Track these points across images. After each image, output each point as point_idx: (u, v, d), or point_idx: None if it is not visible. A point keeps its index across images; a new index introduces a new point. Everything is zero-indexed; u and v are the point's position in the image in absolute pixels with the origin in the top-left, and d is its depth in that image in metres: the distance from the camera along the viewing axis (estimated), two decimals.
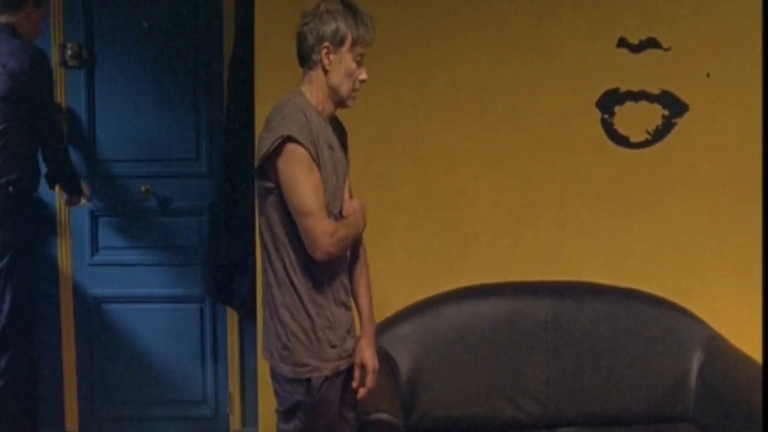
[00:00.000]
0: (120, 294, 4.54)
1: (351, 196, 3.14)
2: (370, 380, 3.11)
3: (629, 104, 4.04)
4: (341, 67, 2.94)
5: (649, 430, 3.83)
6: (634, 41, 4.01)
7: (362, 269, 3.18)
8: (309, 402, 2.96)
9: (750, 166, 4.04)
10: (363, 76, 2.98)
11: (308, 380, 2.95)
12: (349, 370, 3.09)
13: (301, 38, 2.98)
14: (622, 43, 4.01)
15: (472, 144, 4.03)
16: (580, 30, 4.01)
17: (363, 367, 3.10)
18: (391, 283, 3.94)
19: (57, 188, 4.28)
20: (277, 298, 2.95)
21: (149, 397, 4.60)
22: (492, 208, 4.06)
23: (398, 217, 4.01)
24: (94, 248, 4.54)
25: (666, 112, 4.05)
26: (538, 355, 3.87)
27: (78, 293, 4.55)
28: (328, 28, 2.91)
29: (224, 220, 4.19)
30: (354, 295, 3.16)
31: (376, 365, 3.14)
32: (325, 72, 2.95)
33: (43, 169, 4.18)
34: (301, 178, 2.85)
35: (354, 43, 2.93)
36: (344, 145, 3.14)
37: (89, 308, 4.56)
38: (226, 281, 4.24)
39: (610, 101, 4.03)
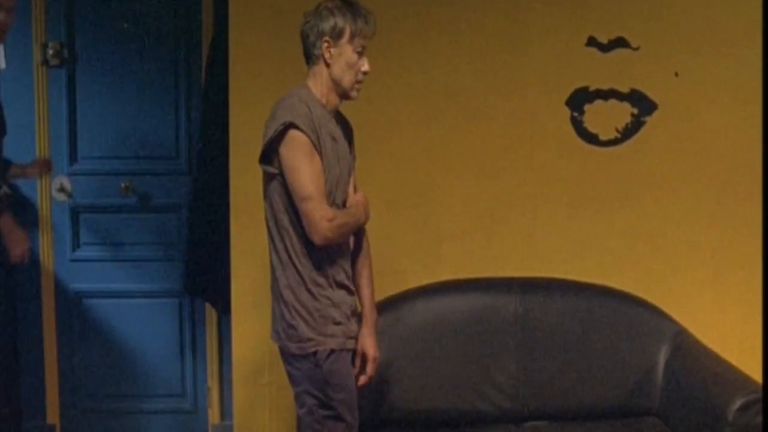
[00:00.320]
0: (100, 289, 4.61)
1: (356, 191, 3.28)
2: (370, 368, 3.28)
3: (599, 103, 4.09)
4: (342, 59, 3.10)
5: (616, 424, 3.86)
6: (604, 40, 4.07)
7: (365, 261, 3.34)
8: (318, 375, 3.09)
9: (718, 163, 4.13)
10: (365, 67, 3.13)
11: (314, 354, 3.08)
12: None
13: (303, 37, 3.15)
14: (592, 42, 4.07)
15: (445, 141, 4.08)
16: (551, 29, 4.07)
17: (363, 355, 3.26)
18: None
19: None
20: (281, 279, 3.11)
21: (129, 390, 4.66)
22: (464, 205, 4.11)
23: (372, 212, 4.05)
24: (75, 244, 4.61)
25: (635, 111, 4.10)
26: (508, 350, 3.91)
27: (59, 288, 4.61)
28: (327, 24, 3.08)
29: (200, 216, 4.24)
30: (356, 286, 3.30)
31: (377, 354, 3.30)
32: (327, 65, 3.11)
33: None
34: (302, 164, 3.01)
35: (353, 36, 3.09)
36: (350, 141, 3.28)
37: (70, 303, 4.63)
38: (203, 276, 4.30)
39: (579, 100, 4.09)
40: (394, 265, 4.08)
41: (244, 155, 4.00)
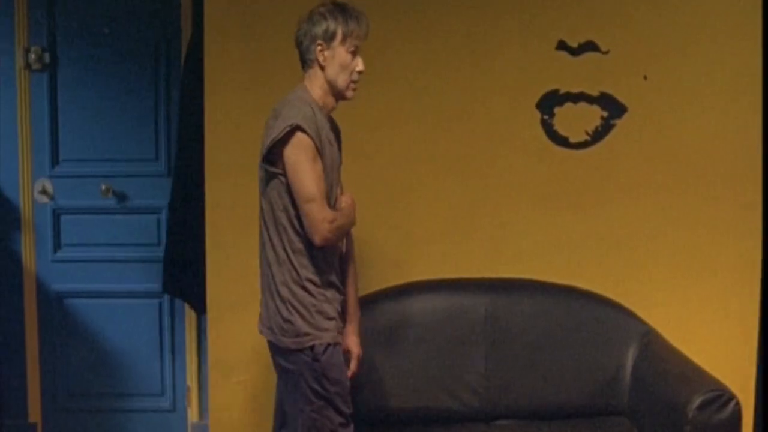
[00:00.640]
0: (81, 289, 4.68)
1: (342, 192, 3.36)
2: (354, 365, 3.40)
3: (569, 106, 4.13)
4: (335, 61, 3.19)
5: (584, 423, 3.91)
6: (573, 44, 4.11)
7: (350, 262, 3.45)
8: (317, 368, 3.17)
9: (686, 166, 4.16)
10: (359, 67, 3.23)
11: (311, 348, 3.16)
12: None
13: (297, 43, 3.24)
14: (562, 45, 4.10)
15: (417, 144, 4.12)
16: (521, 33, 4.11)
17: (348, 352, 3.37)
18: None
19: None
20: (277, 276, 3.19)
21: (110, 389, 4.72)
22: (436, 207, 4.15)
23: None
24: (57, 245, 4.67)
25: (605, 114, 4.14)
26: (478, 350, 3.97)
27: (41, 288, 4.68)
28: (320, 28, 3.17)
29: (178, 218, 4.31)
30: (342, 285, 3.37)
31: (360, 351, 3.43)
32: (322, 68, 3.21)
33: None
34: (306, 166, 3.09)
35: (345, 37, 3.18)
36: (338, 143, 3.36)
37: (52, 303, 4.69)
38: (181, 277, 4.36)
39: (550, 103, 4.13)
40: (367, 265, 4.10)
41: (219, 158, 4.08)
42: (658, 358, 3.90)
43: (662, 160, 4.15)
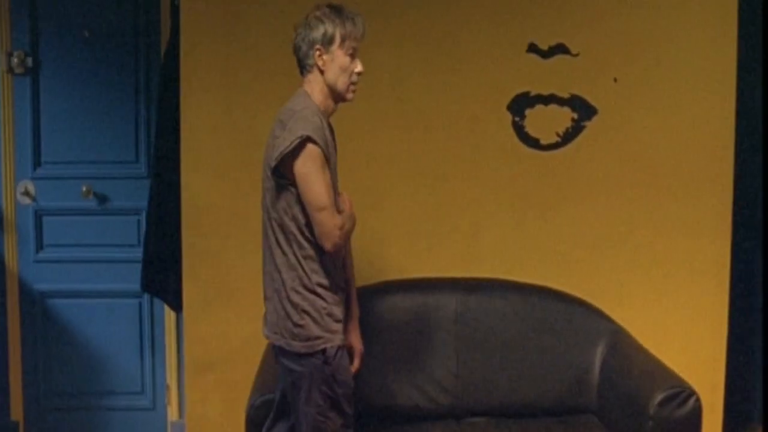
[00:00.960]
0: (63, 289, 4.73)
1: (338, 192, 3.37)
2: (357, 361, 3.47)
3: (540, 108, 4.18)
4: (335, 64, 3.21)
5: (553, 421, 3.95)
6: (544, 47, 4.16)
7: (348, 260, 3.49)
8: (328, 371, 3.21)
9: (656, 167, 4.21)
10: (358, 68, 3.25)
11: (323, 351, 3.20)
12: None
13: (296, 49, 3.25)
14: (532, 48, 4.16)
15: (390, 145, 4.18)
16: (492, 36, 4.16)
17: (350, 348, 3.43)
18: None
19: None
20: (287, 281, 3.21)
21: (91, 387, 4.78)
22: (408, 207, 4.20)
23: None
24: (39, 245, 4.73)
25: (575, 116, 4.19)
26: (448, 348, 4.01)
27: (23, 288, 4.74)
28: (318, 33, 3.19)
29: (155, 219, 4.37)
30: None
31: (362, 347, 3.50)
32: (322, 72, 3.23)
33: None
34: (317, 176, 3.12)
35: (343, 40, 3.20)
36: (335, 145, 3.38)
37: (34, 302, 4.75)
38: (159, 276, 4.42)
39: (521, 105, 4.18)
40: None
41: (194, 159, 4.14)
42: (625, 356, 3.94)
43: (632, 161, 4.20)
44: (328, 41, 3.19)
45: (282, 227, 3.20)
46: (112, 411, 4.80)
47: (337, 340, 3.23)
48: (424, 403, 3.99)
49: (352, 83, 3.26)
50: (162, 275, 4.40)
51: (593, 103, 4.18)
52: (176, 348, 4.71)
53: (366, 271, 4.15)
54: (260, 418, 3.49)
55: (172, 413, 4.76)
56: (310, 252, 3.19)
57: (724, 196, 4.19)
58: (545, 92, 4.18)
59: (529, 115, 4.19)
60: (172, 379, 4.74)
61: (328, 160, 3.18)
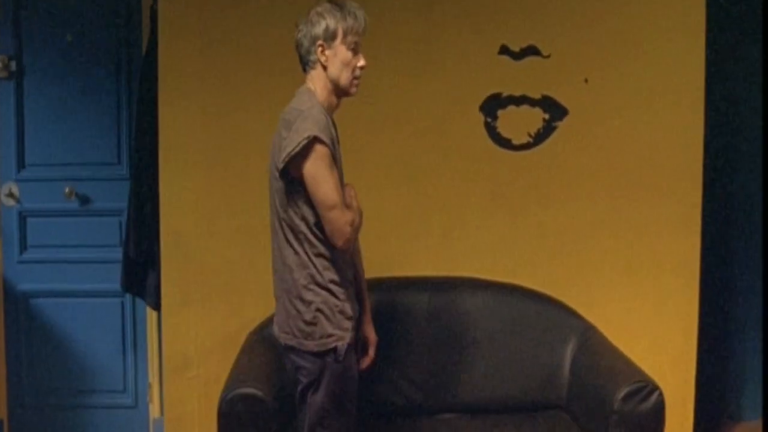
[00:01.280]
0: (47, 289, 4.80)
1: (343, 185, 3.38)
2: (372, 351, 3.57)
3: (511, 108, 4.24)
4: (337, 59, 3.22)
5: (524, 417, 4.00)
6: (515, 48, 4.22)
7: (357, 253, 3.53)
8: (338, 369, 3.25)
9: (627, 166, 4.26)
10: (361, 63, 3.26)
11: (334, 349, 3.24)
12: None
13: (298, 45, 3.27)
14: (504, 50, 4.22)
15: (364, 146, 4.19)
16: (464, 38, 4.21)
17: (366, 339, 3.52)
18: None
19: None
20: (300, 280, 3.23)
21: (74, 386, 4.83)
22: (382, 207, 4.21)
23: None
24: (23, 246, 4.80)
25: (546, 116, 4.24)
26: (421, 346, 4.07)
27: (8, 288, 4.80)
28: (319, 28, 3.21)
29: (134, 219, 4.44)
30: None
31: (376, 338, 3.59)
32: (324, 68, 3.24)
33: None
34: (326, 175, 3.14)
35: (345, 34, 3.21)
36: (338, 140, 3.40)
37: (18, 302, 4.81)
38: (138, 275, 4.49)
39: (493, 106, 4.24)
40: None
41: (173, 159, 4.20)
42: (594, 353, 3.99)
43: (603, 161, 4.26)
44: (330, 36, 3.20)
45: (292, 227, 3.21)
46: (95, 409, 4.86)
47: (348, 338, 3.25)
48: (397, 399, 4.04)
49: (355, 78, 3.26)
50: (141, 274, 4.46)
51: (564, 103, 4.24)
52: (158, 346, 4.75)
53: None
54: (233, 412, 3.52)
55: (154, 411, 4.81)
56: (321, 249, 3.21)
57: (693, 196, 4.24)
58: (517, 93, 4.24)
59: (501, 115, 4.24)
60: (153, 377, 4.80)
61: (335, 158, 3.20)
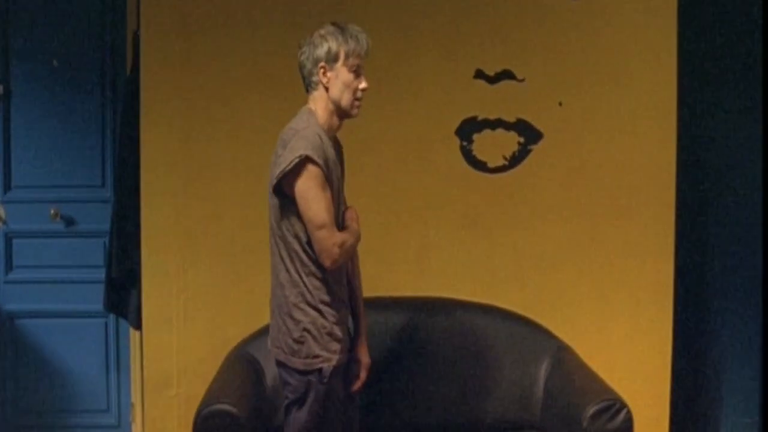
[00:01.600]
0: (32, 309, 4.87)
1: (346, 207, 3.47)
2: (364, 374, 3.53)
3: (487, 132, 4.31)
4: (339, 81, 3.27)
5: None
6: (491, 73, 4.29)
7: (355, 274, 3.57)
8: (321, 390, 3.28)
9: (600, 189, 4.33)
10: (363, 85, 3.32)
11: (319, 370, 3.27)
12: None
13: (301, 67, 3.33)
14: (479, 74, 4.29)
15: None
16: (440, 63, 4.29)
17: (358, 362, 3.50)
18: (263, 295, 4.11)
19: None
20: (290, 297, 3.28)
21: (58, 406, 4.88)
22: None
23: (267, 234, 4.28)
24: (9, 267, 4.88)
25: (521, 140, 4.31)
26: (396, 365, 4.10)
27: None
28: (322, 50, 3.27)
29: (116, 239, 4.50)
30: (349, 298, 3.49)
31: (369, 361, 3.55)
32: (326, 89, 3.29)
33: None
34: (316, 195, 3.19)
35: (347, 57, 3.27)
36: (341, 161, 3.47)
37: (3, 323, 4.87)
38: (120, 295, 4.55)
39: (468, 129, 4.31)
40: None
41: (154, 181, 4.28)
42: (567, 372, 4.03)
43: (577, 183, 4.32)
44: (332, 59, 3.26)
45: (285, 244, 3.26)
46: (79, 429, 4.91)
47: (334, 360, 3.28)
48: (371, 418, 4.06)
49: (357, 99, 3.31)
50: (123, 294, 4.52)
51: (539, 127, 4.31)
52: (141, 366, 4.80)
53: None
54: (207, 429, 3.56)
55: (137, 430, 4.84)
56: (313, 269, 3.25)
57: (666, 216, 4.31)
58: (492, 117, 4.31)
59: (476, 139, 4.31)
60: (136, 397, 4.83)
61: (329, 179, 3.25)
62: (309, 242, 3.24)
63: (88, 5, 4.79)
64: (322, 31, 3.29)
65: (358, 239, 3.39)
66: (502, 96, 4.30)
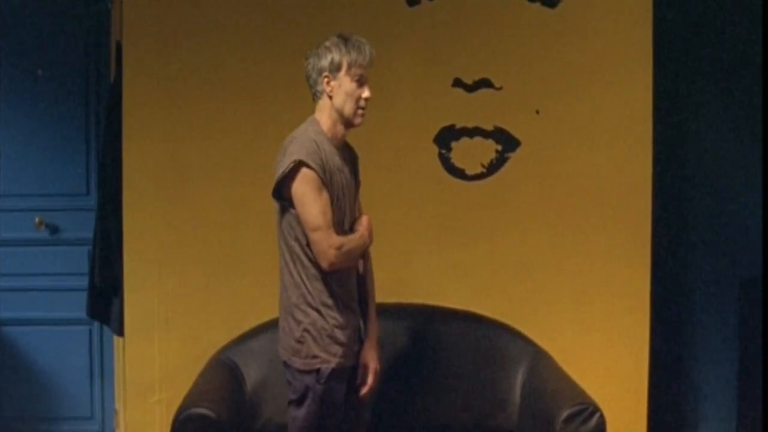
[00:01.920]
0: (16, 317, 4.92)
1: (360, 214, 3.53)
2: (371, 379, 3.52)
3: (465, 140, 4.34)
4: (341, 90, 3.35)
5: None
6: (469, 81, 4.33)
7: (368, 279, 3.61)
8: (318, 390, 3.34)
9: (578, 196, 4.35)
10: (366, 94, 3.38)
11: (318, 370, 3.33)
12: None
13: (307, 77, 3.41)
14: (457, 83, 4.32)
15: None
16: (418, 71, 4.33)
17: (365, 366, 3.50)
18: (244, 301, 4.30)
19: None
20: (292, 298, 3.36)
21: (42, 413, 4.94)
22: None
23: (251, 240, 4.29)
24: None
25: (499, 147, 4.34)
26: None
27: None
28: (325, 60, 3.34)
29: (99, 247, 4.54)
30: (359, 301, 3.52)
31: (377, 366, 3.54)
32: (330, 98, 3.37)
33: None
34: (311, 198, 3.27)
35: (349, 66, 3.34)
36: (354, 168, 3.54)
37: None
38: (103, 302, 4.58)
39: (447, 137, 4.34)
40: (272, 290, 4.27)
41: (135, 190, 4.30)
42: (543, 377, 4.05)
43: (555, 191, 4.36)
44: (335, 68, 3.33)
45: (288, 247, 3.34)
46: None
47: (334, 363, 3.34)
48: (348, 423, 4.10)
49: (360, 108, 3.38)
50: (106, 301, 4.56)
51: (516, 135, 4.34)
52: (124, 374, 4.84)
53: None
54: None
55: None
56: (314, 271, 3.32)
57: (643, 224, 4.34)
58: (470, 125, 4.34)
59: (455, 147, 4.34)
60: (120, 404, 4.82)
61: (328, 183, 3.31)
62: (309, 245, 3.31)
63: (72, 16, 4.86)
64: (327, 43, 3.37)
65: (363, 245, 3.46)
66: (480, 104, 4.33)
